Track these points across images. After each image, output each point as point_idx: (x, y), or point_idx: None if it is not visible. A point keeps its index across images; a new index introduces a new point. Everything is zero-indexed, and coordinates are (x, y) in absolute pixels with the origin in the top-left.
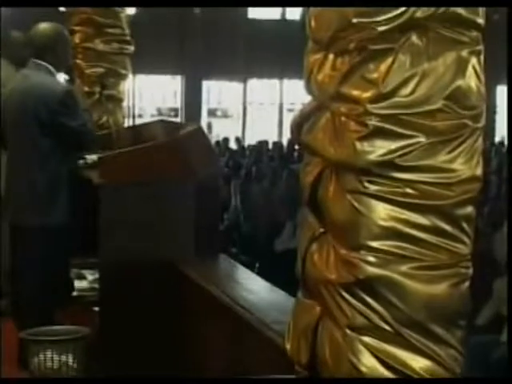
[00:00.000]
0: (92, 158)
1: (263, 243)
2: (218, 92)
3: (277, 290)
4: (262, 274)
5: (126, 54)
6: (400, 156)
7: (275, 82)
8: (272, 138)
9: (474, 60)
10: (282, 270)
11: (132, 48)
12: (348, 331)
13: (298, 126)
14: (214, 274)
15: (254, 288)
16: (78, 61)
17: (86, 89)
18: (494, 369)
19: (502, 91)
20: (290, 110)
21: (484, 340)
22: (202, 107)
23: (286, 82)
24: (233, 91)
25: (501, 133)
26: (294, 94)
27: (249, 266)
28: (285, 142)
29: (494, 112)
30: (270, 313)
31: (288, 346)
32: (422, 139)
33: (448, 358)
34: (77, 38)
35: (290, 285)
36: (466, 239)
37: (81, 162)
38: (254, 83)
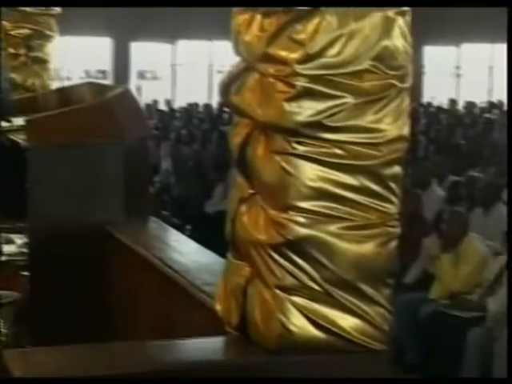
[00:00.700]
0: (18, 121)
1: (194, 205)
2: (147, 54)
3: (208, 252)
4: (193, 236)
5: (52, 15)
6: (328, 116)
7: (205, 43)
8: (202, 100)
9: (400, 20)
10: (213, 232)
11: (57, 9)
12: (277, 291)
13: (226, 88)
14: (143, 237)
15: (184, 250)
16: (3, 22)
17: (12, 50)
18: (422, 325)
19: (429, 52)
20: (220, 72)
21: (412, 298)
22: (131, 69)
23: (215, 43)
24: (162, 53)
25: (428, 93)
26: (224, 55)
27: (180, 228)
28: (215, 104)
29: (422, 73)
30: (200, 275)
31: (218, 307)
32: (350, 100)
33: (376, 316)
34: None
35: (221, 246)
36: (393, 199)
37: (7, 125)
38: (183, 44)
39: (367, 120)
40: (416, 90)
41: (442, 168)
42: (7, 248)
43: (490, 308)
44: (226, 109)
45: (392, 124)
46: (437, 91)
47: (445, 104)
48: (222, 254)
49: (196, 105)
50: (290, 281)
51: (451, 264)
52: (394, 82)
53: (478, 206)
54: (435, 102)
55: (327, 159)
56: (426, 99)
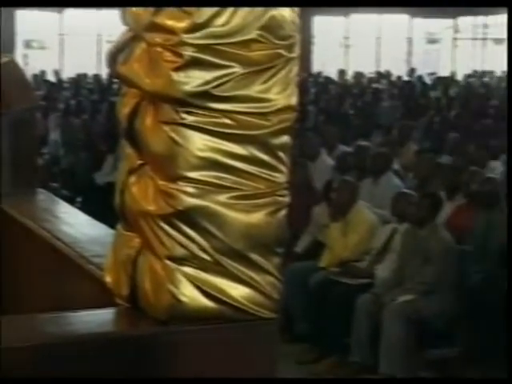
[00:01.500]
0: None
1: (84, 177)
2: (33, 23)
3: (98, 223)
4: (83, 208)
5: None
6: (216, 86)
7: (93, 11)
8: (91, 70)
9: None
10: (103, 204)
11: None
12: (167, 262)
13: (113, 57)
14: (32, 209)
15: (74, 222)
16: None
17: None
18: (312, 293)
19: (318, 22)
20: (109, 42)
21: (302, 266)
22: (17, 38)
23: (104, 12)
24: (49, 21)
25: (318, 64)
26: (113, 24)
27: (70, 200)
28: (104, 74)
29: (311, 43)
30: (90, 247)
31: (108, 279)
32: (238, 69)
33: (267, 285)
34: None
35: (111, 218)
36: (282, 168)
37: None
38: (71, 13)
39: (255, 90)
40: (305, 60)
41: (331, 137)
42: None
43: (379, 275)
44: (116, 79)
45: (280, 94)
46: (326, 61)
47: (334, 74)
48: (113, 226)
49: (85, 75)
50: (179, 251)
51: (340, 232)
52: (281, 51)
53: (367, 175)
54: (324, 72)
55: (216, 129)
56: (314, 69)
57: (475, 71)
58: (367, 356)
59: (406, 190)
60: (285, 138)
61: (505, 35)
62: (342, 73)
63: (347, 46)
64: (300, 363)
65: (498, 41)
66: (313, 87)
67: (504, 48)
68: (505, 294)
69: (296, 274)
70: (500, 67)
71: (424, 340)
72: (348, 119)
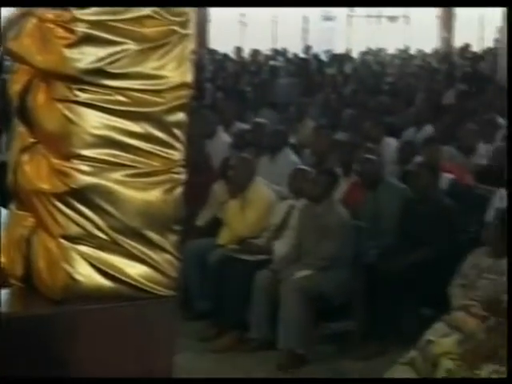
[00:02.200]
0: None
1: None
2: None
3: None
4: None
5: None
6: (109, 63)
7: None
8: None
9: None
10: None
11: None
12: (62, 241)
13: (3, 33)
14: None
15: None
16: None
17: None
18: (211, 271)
19: None
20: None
21: (201, 244)
22: None
23: None
24: None
25: (214, 41)
26: None
27: None
28: None
29: (207, 20)
30: None
31: (2, 259)
32: (131, 46)
33: (164, 263)
34: None
35: (4, 197)
36: (178, 145)
37: None
38: None
39: (150, 66)
40: (201, 37)
41: (228, 115)
42: None
43: (277, 251)
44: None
45: (175, 70)
46: (223, 39)
47: (230, 52)
48: (5, 205)
49: None
50: (74, 230)
51: (238, 209)
52: (175, 28)
53: (264, 152)
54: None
55: (110, 106)
56: (212, 47)
57: (370, 49)
58: (266, 332)
59: (302, 167)
60: (180, 116)
61: (399, 12)
62: (238, 50)
63: (243, 24)
64: (201, 340)
65: (392, 18)
66: (210, 64)
67: (398, 25)
68: (400, 269)
69: (194, 251)
70: (394, 45)
71: (322, 314)
72: (245, 96)
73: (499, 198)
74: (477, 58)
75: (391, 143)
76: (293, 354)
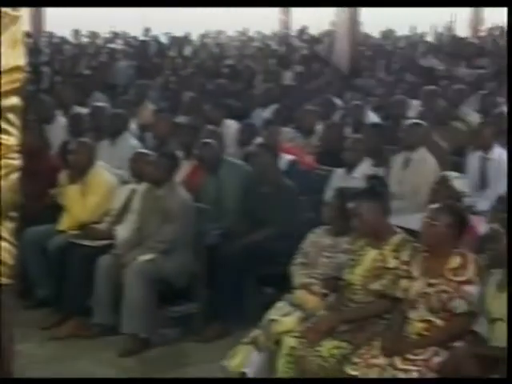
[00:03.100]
0: None
1: None
2: None
3: None
4: None
5: None
6: None
7: None
8: None
9: None
10: None
11: None
12: None
13: None
14: None
15: None
16: None
17: None
18: (52, 258)
19: None
20: None
21: (40, 230)
22: None
23: None
24: None
25: (51, 24)
26: None
27: None
28: None
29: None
30: None
31: None
32: None
33: (1, 251)
34: None
35: None
36: (12, 130)
37: None
38: None
39: None
40: (37, 20)
41: (66, 99)
42: None
43: (119, 235)
44: None
45: (6, 53)
46: (61, 22)
47: (68, 34)
48: None
49: None
50: None
51: (79, 194)
52: (5, 9)
53: (104, 136)
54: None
55: None
56: (48, 29)
57: (209, 31)
58: (109, 317)
59: (143, 150)
60: (14, 100)
61: None
62: (76, 33)
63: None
64: (43, 328)
65: None
66: (47, 48)
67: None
68: (241, 249)
69: (34, 238)
70: (232, 27)
71: (165, 298)
72: (83, 80)
73: (337, 177)
74: (314, 40)
75: (232, 125)
76: (136, 339)
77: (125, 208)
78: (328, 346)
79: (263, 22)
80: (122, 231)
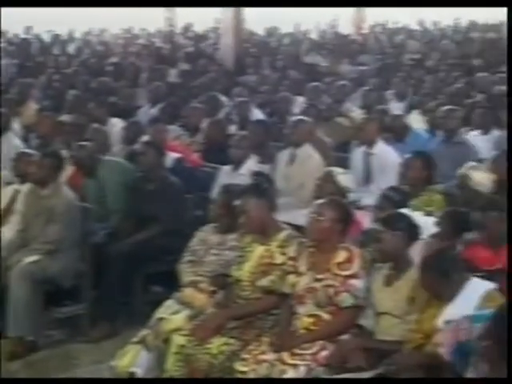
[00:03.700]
0: None
1: None
2: None
3: None
4: None
5: None
6: None
7: None
8: None
9: None
10: None
11: None
12: None
13: None
14: None
15: None
16: None
17: None
18: None
19: None
20: None
21: None
22: None
23: None
24: None
25: None
26: None
27: None
28: None
29: None
30: None
31: None
32: None
33: None
34: None
35: None
36: None
37: None
38: None
39: None
40: None
41: None
42: None
43: (3, 237)
44: None
45: None
46: None
47: None
48: None
49: None
50: None
51: None
52: None
53: None
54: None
55: None
56: None
57: (92, 29)
58: None
59: (26, 150)
60: None
61: None
62: None
63: None
64: None
65: None
66: None
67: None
68: (128, 248)
69: None
70: (120, 25)
71: (52, 299)
72: None
73: (224, 174)
74: (199, 37)
75: (117, 124)
76: (23, 342)
77: (8, 209)
78: (217, 344)
79: (148, 19)
80: (7, 233)
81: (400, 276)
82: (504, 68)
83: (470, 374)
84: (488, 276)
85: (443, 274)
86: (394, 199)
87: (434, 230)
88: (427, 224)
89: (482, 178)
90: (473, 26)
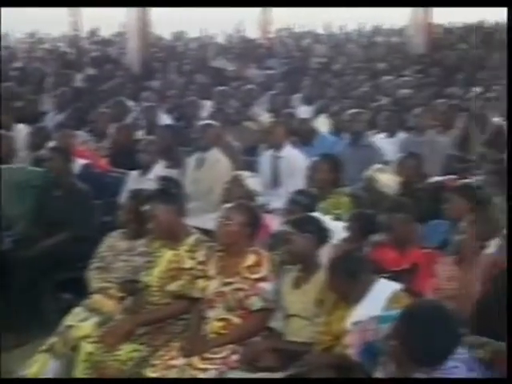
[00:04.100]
0: None
1: None
2: None
3: None
4: None
5: None
6: None
7: None
8: None
9: None
10: None
11: None
12: None
13: None
14: None
15: None
16: None
17: None
18: None
19: None
20: None
21: None
22: None
23: None
24: None
25: None
26: None
27: None
28: None
29: None
30: None
31: None
32: None
33: None
34: None
35: None
36: None
37: None
38: None
39: None
40: None
41: None
42: None
43: None
44: None
45: None
46: None
47: None
48: None
49: None
50: None
51: None
52: None
53: None
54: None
55: None
56: None
57: None
58: None
59: None
60: None
61: None
62: None
63: None
64: None
65: None
66: None
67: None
68: (35, 254)
69: None
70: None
71: None
72: None
73: (132, 180)
74: (105, 41)
75: (23, 129)
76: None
77: None
78: (126, 350)
79: (52, 23)
80: None
81: (309, 278)
82: (407, 72)
83: (378, 374)
84: (395, 277)
85: (350, 275)
86: (302, 202)
87: (344, 234)
88: (337, 228)
89: (388, 180)
90: (377, 30)
